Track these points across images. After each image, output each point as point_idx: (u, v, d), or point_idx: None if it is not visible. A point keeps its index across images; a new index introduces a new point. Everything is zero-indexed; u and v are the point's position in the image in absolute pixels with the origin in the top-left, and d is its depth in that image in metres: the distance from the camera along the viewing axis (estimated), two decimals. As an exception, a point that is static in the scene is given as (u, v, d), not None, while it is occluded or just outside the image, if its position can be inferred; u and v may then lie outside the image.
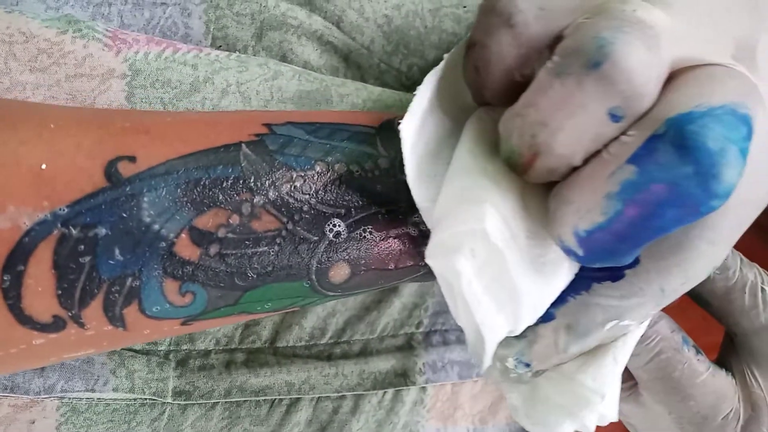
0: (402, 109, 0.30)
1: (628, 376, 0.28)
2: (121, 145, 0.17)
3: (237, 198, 0.17)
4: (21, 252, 0.15)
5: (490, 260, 0.16)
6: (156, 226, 0.16)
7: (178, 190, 0.17)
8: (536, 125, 0.15)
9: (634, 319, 0.18)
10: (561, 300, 0.18)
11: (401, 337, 0.29)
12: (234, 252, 0.17)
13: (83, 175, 0.16)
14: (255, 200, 0.18)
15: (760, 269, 0.25)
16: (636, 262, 0.17)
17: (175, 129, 0.18)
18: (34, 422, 0.24)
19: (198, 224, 0.17)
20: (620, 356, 0.19)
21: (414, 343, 0.29)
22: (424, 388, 0.28)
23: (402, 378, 0.28)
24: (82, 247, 0.16)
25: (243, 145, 0.18)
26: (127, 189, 0.16)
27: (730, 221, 0.17)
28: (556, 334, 0.18)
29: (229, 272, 0.17)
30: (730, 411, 0.25)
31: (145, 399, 0.25)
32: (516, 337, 0.19)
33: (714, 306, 0.26)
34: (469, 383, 0.29)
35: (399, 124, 0.19)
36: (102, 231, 0.16)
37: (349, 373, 0.27)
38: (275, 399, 0.27)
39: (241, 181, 0.17)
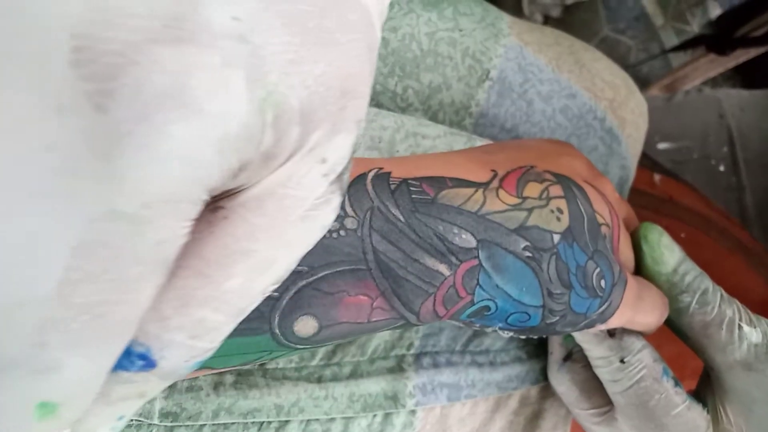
0: (396, 130, 0.30)
1: (605, 400, 0.29)
2: None
3: None
4: None
5: None
6: None
7: None
8: None
9: None
10: None
11: (392, 359, 0.29)
12: None
13: None
14: None
15: (740, 305, 0.26)
16: None
17: None
18: None
19: None
20: None
21: (404, 365, 0.29)
22: (413, 411, 0.28)
23: (392, 401, 0.28)
24: None
25: None
26: None
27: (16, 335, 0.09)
28: None
29: None
30: None
31: (131, 420, 0.25)
32: None
33: (692, 340, 0.27)
34: (458, 406, 0.29)
35: (370, 178, 0.18)
36: None
37: (339, 396, 0.27)
38: (264, 421, 0.26)
39: None
